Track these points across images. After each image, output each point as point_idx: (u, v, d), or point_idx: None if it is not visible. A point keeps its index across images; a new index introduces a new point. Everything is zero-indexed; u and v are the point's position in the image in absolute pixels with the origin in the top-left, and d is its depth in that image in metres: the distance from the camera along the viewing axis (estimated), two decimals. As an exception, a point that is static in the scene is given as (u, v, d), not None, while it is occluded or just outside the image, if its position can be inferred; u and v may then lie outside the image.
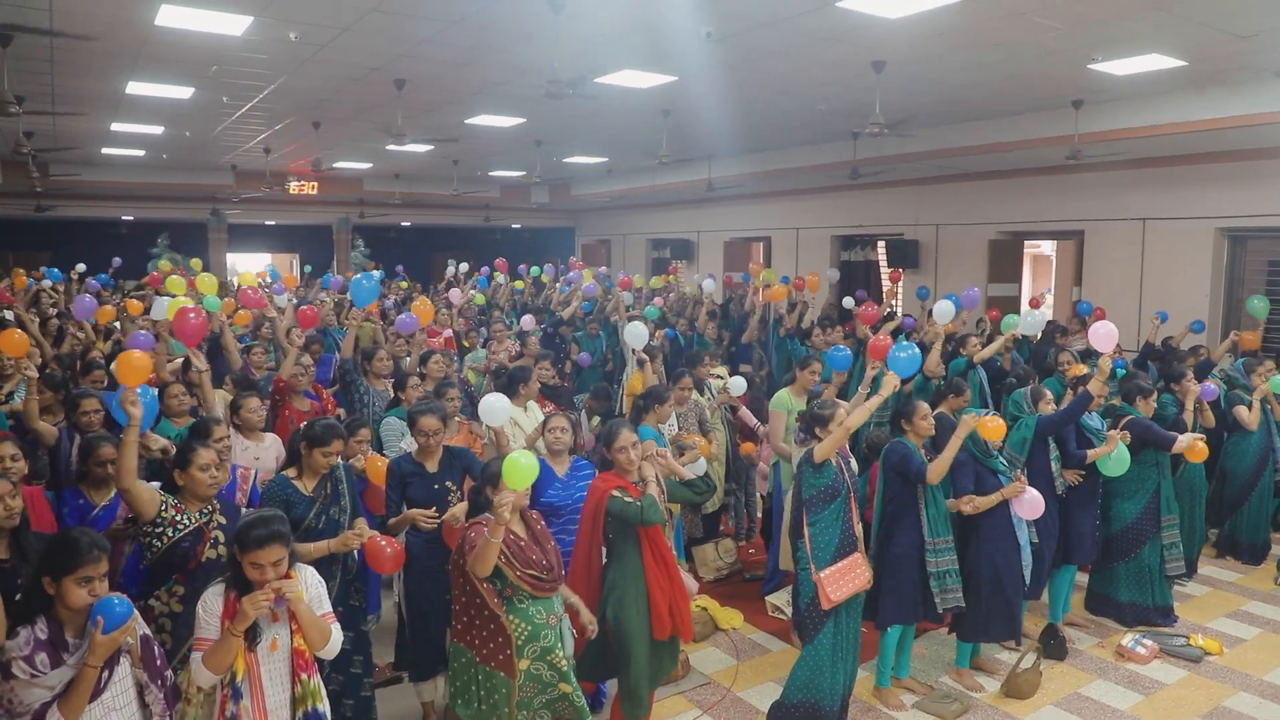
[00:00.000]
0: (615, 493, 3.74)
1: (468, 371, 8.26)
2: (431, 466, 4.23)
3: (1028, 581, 4.77)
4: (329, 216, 20.23)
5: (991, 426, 4.41)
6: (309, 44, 7.02)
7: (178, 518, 3.40)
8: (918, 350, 4.27)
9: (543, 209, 20.54)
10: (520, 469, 3.25)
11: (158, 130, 11.60)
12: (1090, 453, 5.15)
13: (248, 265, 20.65)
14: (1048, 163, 10.76)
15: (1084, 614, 5.74)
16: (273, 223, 20.61)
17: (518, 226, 22.68)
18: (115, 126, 11.29)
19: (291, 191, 17.19)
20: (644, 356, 6.33)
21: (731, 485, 6.72)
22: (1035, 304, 10.11)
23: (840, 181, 12.99)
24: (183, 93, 9.05)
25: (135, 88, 8.82)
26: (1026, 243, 13.09)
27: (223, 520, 3.51)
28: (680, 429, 5.93)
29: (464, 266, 14.43)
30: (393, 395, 5.98)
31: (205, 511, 3.49)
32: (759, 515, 6.87)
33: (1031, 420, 5.29)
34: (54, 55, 7.44)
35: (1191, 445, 5.41)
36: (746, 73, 7.94)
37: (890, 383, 4.25)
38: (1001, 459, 4.80)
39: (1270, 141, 8.80)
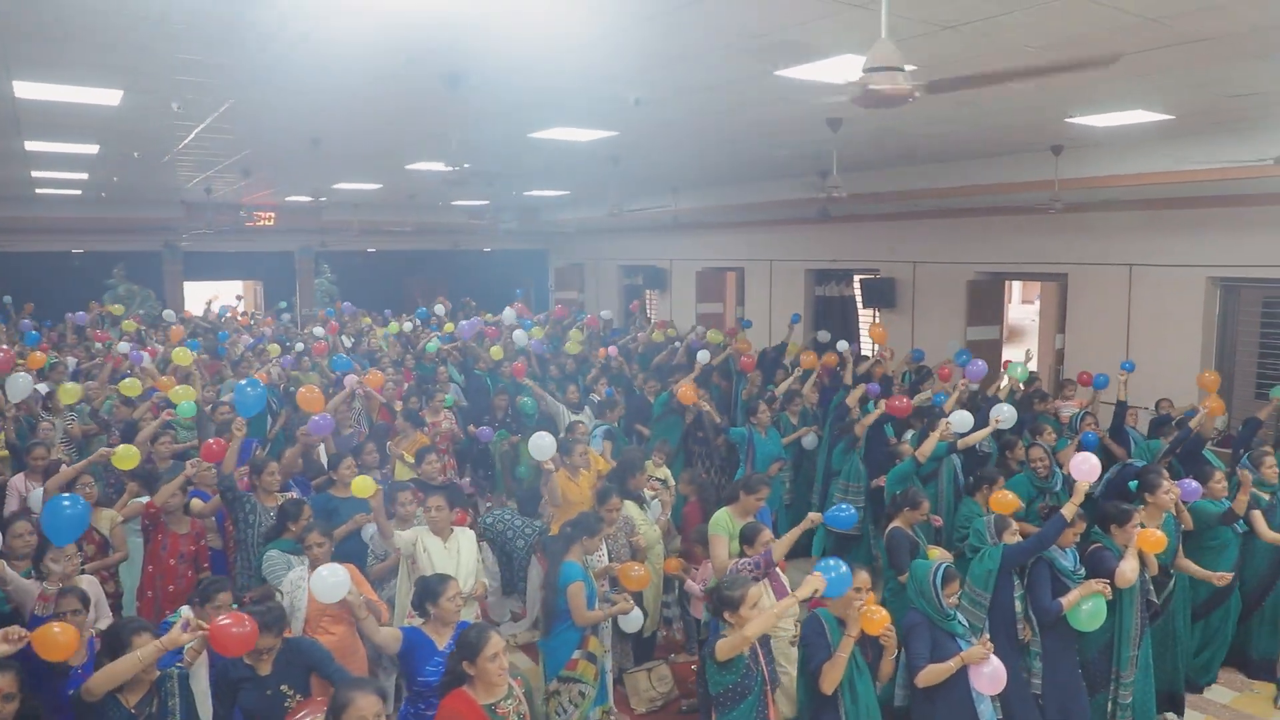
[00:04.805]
0: None
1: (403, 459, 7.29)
2: (264, 669, 3.57)
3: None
4: (290, 244, 19.48)
5: (875, 619, 3.73)
6: (199, 111, 6.33)
7: None
8: (846, 569, 3.70)
9: (513, 233, 19.81)
10: None
11: (82, 176, 10.87)
12: (1065, 600, 4.43)
13: (208, 294, 19.84)
14: (1028, 203, 10.08)
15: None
16: (232, 251, 19.84)
17: (489, 250, 21.97)
18: (36, 174, 10.56)
19: (246, 225, 16.49)
20: (549, 468, 5.57)
21: (668, 598, 6.09)
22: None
23: (811, 215, 12.30)
24: (88, 149, 8.32)
25: (34, 145, 8.10)
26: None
27: None
28: (611, 556, 5.27)
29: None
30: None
31: None
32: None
33: (995, 551, 4.64)
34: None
35: (1144, 536, 4.59)
36: (691, 129, 7.26)
37: (811, 585, 3.67)
38: (961, 619, 4.14)
39: (1265, 189, 8.12)
